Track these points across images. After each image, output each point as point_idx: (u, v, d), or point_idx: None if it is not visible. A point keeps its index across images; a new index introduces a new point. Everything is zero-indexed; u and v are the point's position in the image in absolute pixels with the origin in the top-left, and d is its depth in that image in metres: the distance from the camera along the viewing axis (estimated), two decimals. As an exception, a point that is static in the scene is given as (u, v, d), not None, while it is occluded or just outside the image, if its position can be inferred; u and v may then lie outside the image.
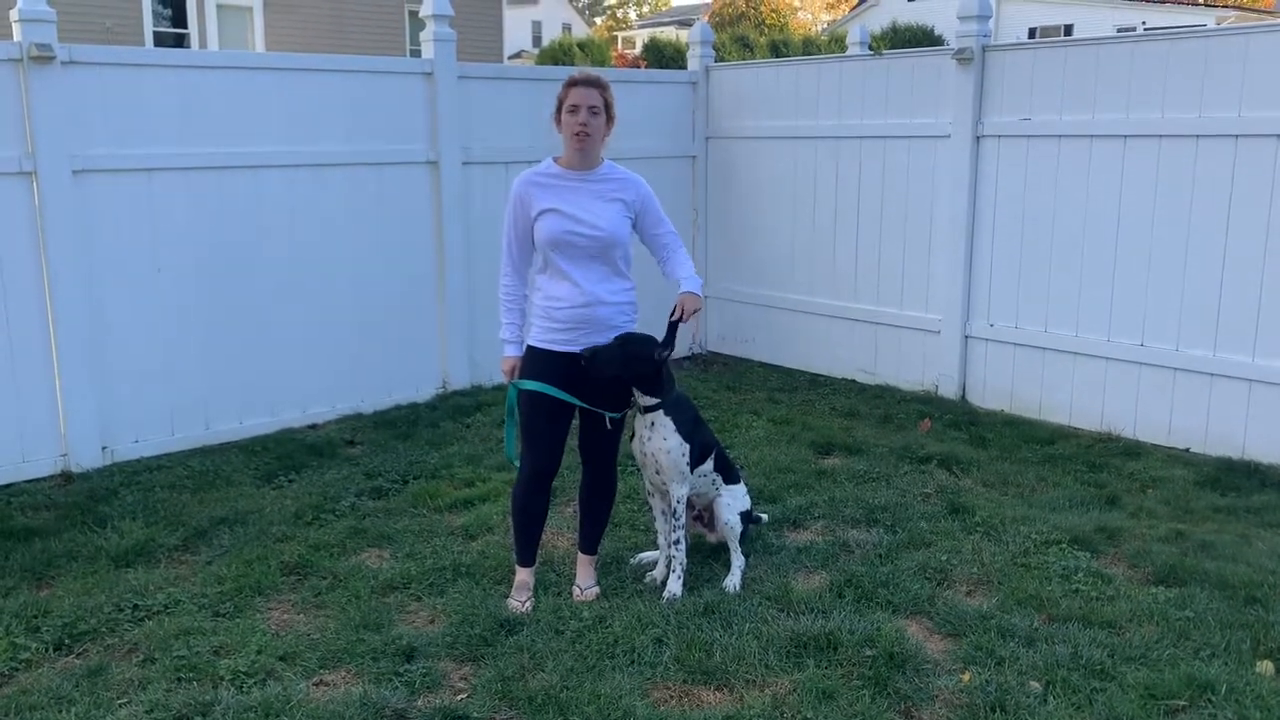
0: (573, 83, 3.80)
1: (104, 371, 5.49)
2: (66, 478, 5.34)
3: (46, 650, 3.65)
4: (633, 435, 4.03)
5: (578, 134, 3.75)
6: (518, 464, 3.96)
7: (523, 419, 3.91)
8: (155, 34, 18.28)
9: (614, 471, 4.12)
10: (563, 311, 3.81)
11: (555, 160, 3.88)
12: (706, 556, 4.32)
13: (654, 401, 3.91)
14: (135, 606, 3.94)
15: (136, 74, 5.48)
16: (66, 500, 5.01)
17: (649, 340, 3.82)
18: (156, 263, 5.61)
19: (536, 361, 3.87)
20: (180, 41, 18.61)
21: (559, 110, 3.81)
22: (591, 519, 4.11)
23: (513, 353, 3.92)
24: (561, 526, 4.62)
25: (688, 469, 3.97)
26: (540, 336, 3.88)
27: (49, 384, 5.35)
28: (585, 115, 3.75)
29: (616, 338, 3.79)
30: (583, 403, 3.86)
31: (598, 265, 3.81)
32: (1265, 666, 3.42)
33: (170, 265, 5.66)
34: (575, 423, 4.02)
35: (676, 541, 4.00)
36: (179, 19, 18.85)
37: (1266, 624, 3.67)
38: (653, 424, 3.93)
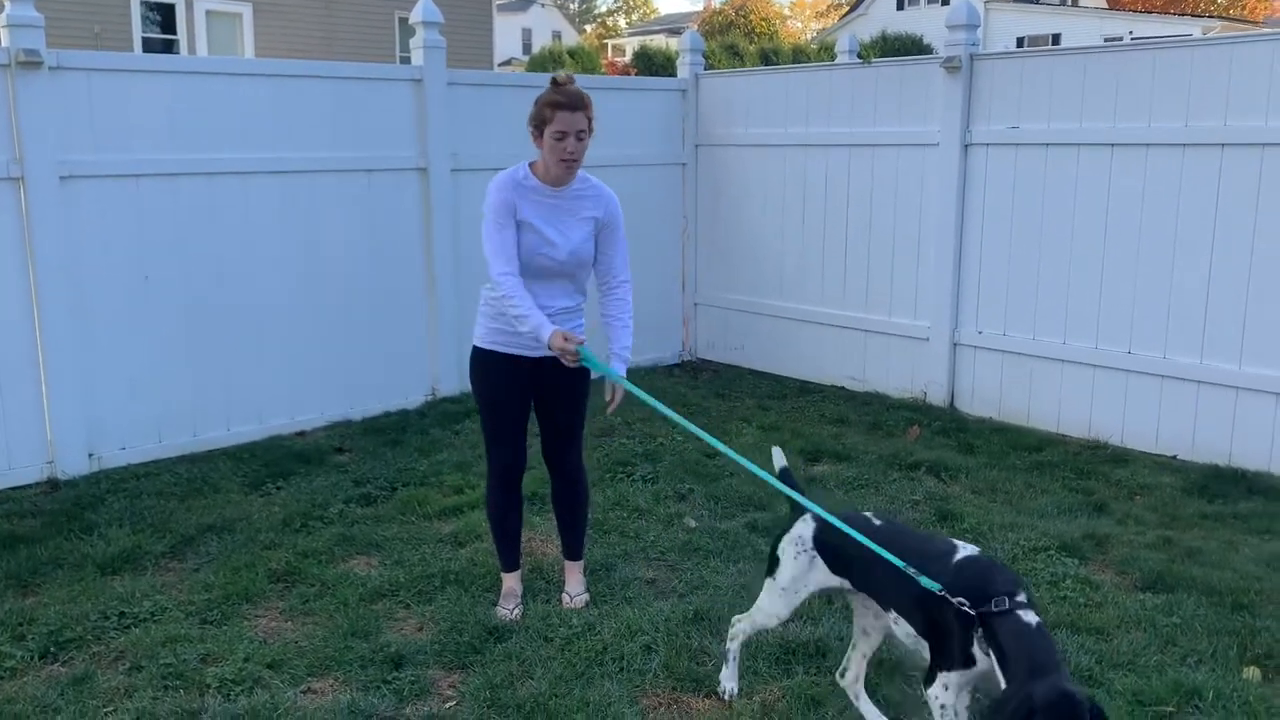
0: (557, 105, 3.57)
1: (91, 379, 5.47)
2: (52, 485, 5.31)
3: (32, 658, 3.63)
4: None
5: (565, 161, 3.62)
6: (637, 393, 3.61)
7: (483, 418, 3.89)
8: (144, 40, 18.27)
9: (582, 473, 4.09)
10: None
11: (531, 168, 3.73)
12: (699, 556, 4.31)
13: None
14: (122, 614, 3.92)
15: (125, 80, 5.47)
16: (52, 507, 4.98)
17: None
18: (144, 270, 5.59)
19: (497, 366, 3.80)
20: (169, 48, 18.59)
21: (540, 126, 3.61)
22: (568, 526, 4.10)
23: (551, 328, 3.58)
24: (550, 533, 4.61)
25: None
26: (493, 339, 3.80)
27: (35, 391, 5.32)
28: (573, 143, 3.58)
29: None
30: (536, 403, 3.84)
31: (560, 282, 3.76)
32: (1252, 672, 3.44)
33: (158, 272, 5.64)
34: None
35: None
36: (168, 25, 18.84)
37: (1253, 630, 3.68)
38: None
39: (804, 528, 3.14)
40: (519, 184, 3.69)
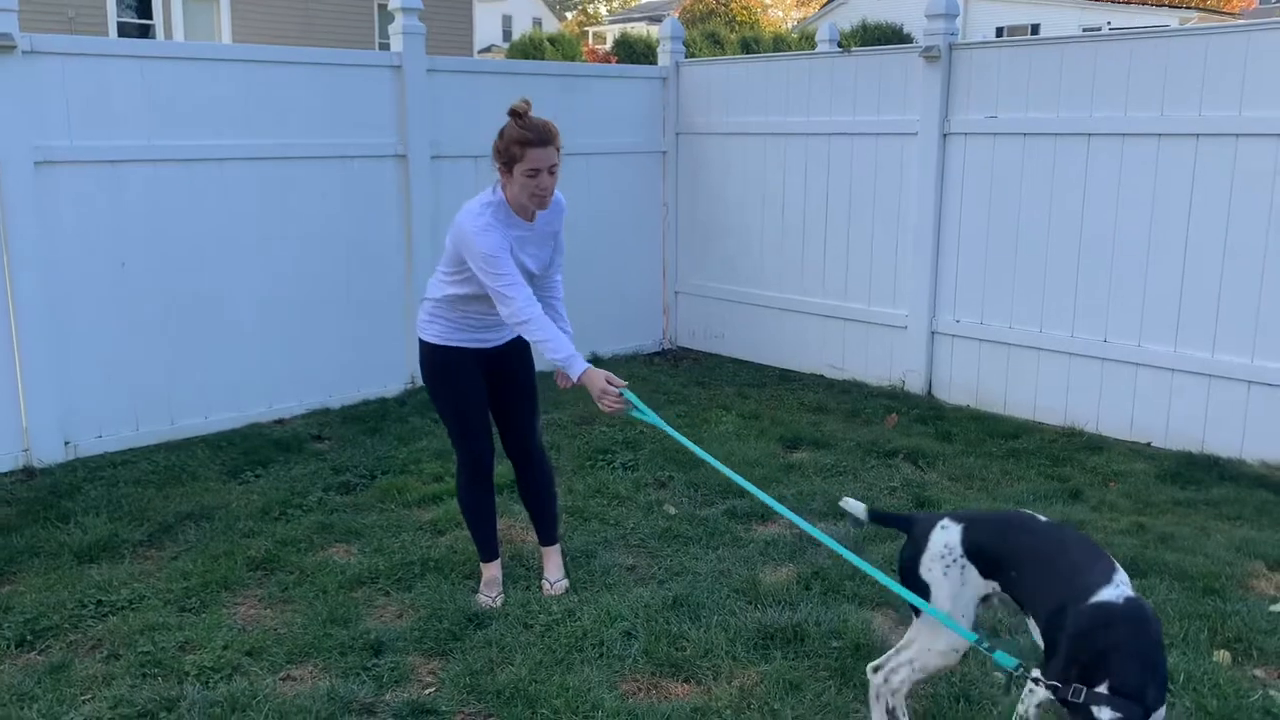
0: (527, 142, 3.46)
1: (67, 366, 5.43)
2: (28, 473, 5.27)
3: (8, 647, 3.61)
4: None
5: (539, 196, 3.57)
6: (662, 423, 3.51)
7: (450, 416, 3.87)
8: (119, 25, 18.06)
9: (546, 460, 4.11)
10: (490, 318, 3.74)
11: (504, 196, 3.63)
12: (680, 545, 4.33)
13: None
14: (99, 602, 3.90)
15: (100, 64, 5.41)
16: (28, 495, 4.95)
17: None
18: (121, 256, 5.55)
19: (461, 363, 3.80)
20: (145, 32, 18.39)
21: (509, 164, 3.51)
22: (538, 513, 4.12)
23: (585, 364, 3.55)
24: (528, 520, 4.61)
25: None
26: (451, 336, 3.78)
27: (10, 378, 5.28)
28: (546, 178, 3.51)
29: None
30: (491, 394, 3.86)
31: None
32: (1222, 656, 3.49)
33: (135, 259, 5.60)
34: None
35: None
36: (144, 9, 18.63)
37: (1223, 614, 3.74)
38: None
39: (946, 535, 2.77)
40: (502, 225, 3.60)
